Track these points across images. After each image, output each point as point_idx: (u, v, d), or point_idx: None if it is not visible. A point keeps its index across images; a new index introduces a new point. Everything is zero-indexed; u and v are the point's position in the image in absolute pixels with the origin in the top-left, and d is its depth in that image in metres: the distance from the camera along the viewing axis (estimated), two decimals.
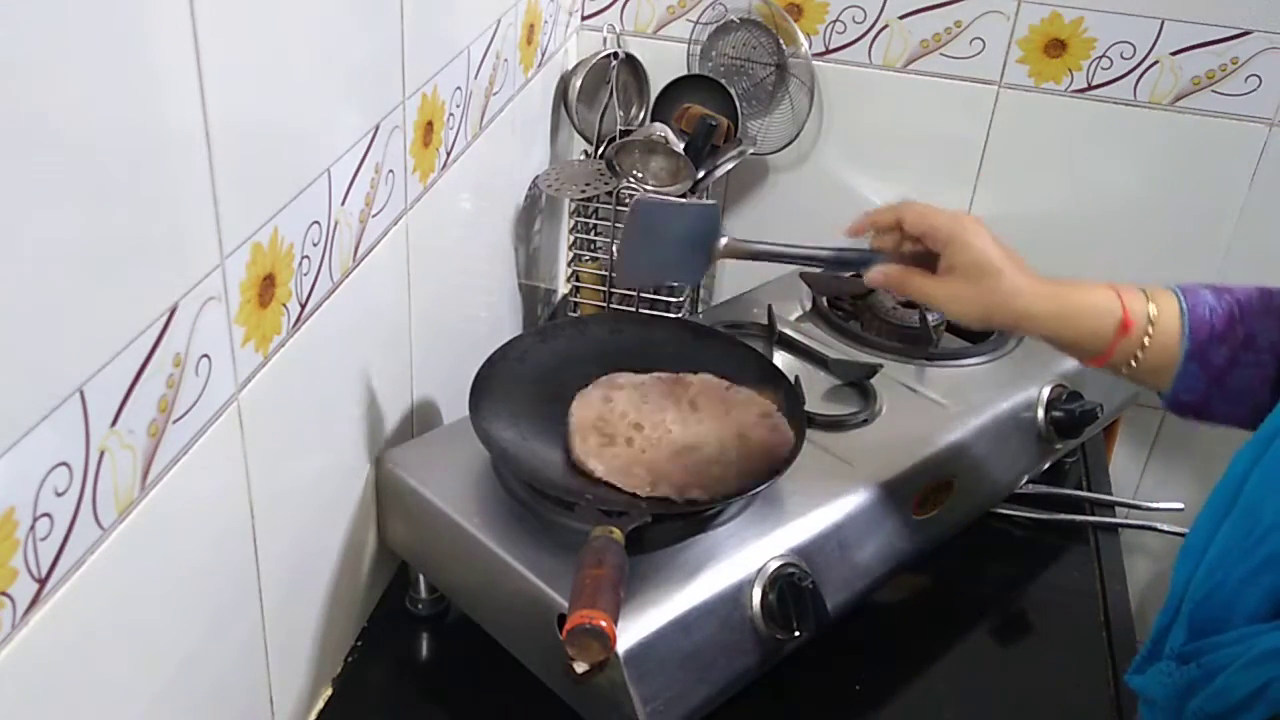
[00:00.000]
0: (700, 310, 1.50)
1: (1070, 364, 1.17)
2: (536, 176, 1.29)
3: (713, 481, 0.89)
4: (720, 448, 0.93)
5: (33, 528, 0.54)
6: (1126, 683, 0.73)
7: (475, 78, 1.05)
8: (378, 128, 0.85)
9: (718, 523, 0.90)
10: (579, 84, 1.32)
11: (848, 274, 1.14)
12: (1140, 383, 0.83)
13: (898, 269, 0.87)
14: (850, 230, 0.90)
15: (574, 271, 1.34)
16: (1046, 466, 1.18)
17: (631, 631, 0.80)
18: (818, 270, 0.97)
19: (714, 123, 1.24)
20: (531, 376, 0.99)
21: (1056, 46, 1.30)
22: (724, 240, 0.92)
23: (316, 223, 0.78)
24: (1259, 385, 0.79)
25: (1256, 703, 0.60)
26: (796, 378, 1.03)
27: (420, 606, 1.03)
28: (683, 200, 0.94)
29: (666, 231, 0.92)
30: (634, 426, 0.94)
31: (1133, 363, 0.81)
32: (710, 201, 0.92)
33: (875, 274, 0.88)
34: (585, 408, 0.95)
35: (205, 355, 0.66)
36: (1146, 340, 0.81)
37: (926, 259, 0.86)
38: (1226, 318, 0.80)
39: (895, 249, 0.88)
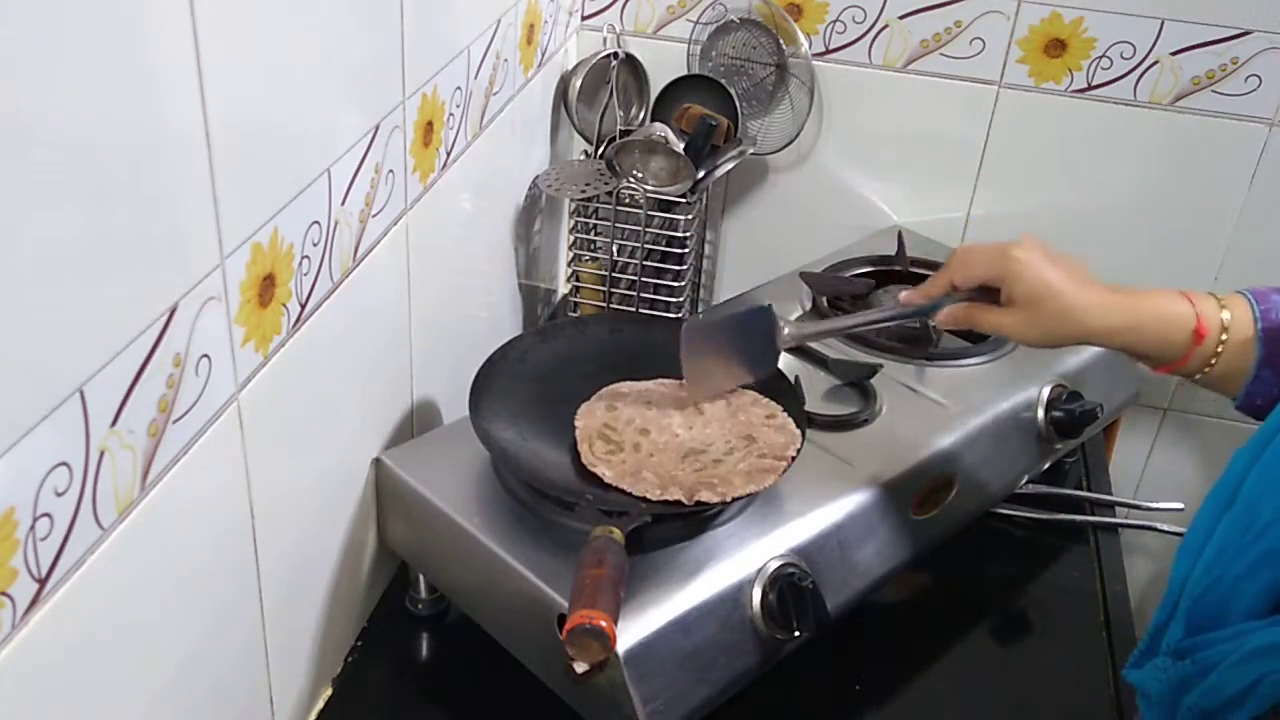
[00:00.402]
0: (700, 310, 1.50)
1: (1070, 364, 1.17)
2: (536, 176, 1.29)
3: (720, 482, 0.88)
4: (728, 449, 0.93)
5: (33, 528, 0.54)
6: (1124, 677, 0.73)
7: (475, 78, 1.05)
8: (378, 128, 0.85)
9: (718, 523, 0.90)
10: (579, 84, 1.32)
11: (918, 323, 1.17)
12: (1211, 388, 0.83)
13: (963, 308, 0.88)
14: (906, 302, 0.92)
15: (574, 271, 1.34)
16: (1046, 466, 1.18)
17: (631, 631, 0.80)
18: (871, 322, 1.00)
19: (714, 123, 1.24)
20: (531, 376, 0.99)
21: (1056, 46, 1.30)
22: (786, 330, 0.95)
23: (316, 223, 0.78)
24: None
25: (1249, 698, 0.61)
26: (796, 378, 1.03)
27: (420, 606, 1.03)
28: (729, 315, 0.98)
29: (721, 345, 0.96)
30: (640, 432, 0.94)
31: (1206, 370, 0.81)
32: (762, 304, 0.95)
33: (943, 317, 0.90)
34: (589, 416, 0.95)
35: (205, 355, 0.66)
36: (1220, 347, 0.80)
37: (990, 290, 0.87)
38: None
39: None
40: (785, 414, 0.97)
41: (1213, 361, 0.81)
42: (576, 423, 0.94)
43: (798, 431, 0.95)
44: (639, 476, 0.88)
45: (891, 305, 0.95)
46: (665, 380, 1.00)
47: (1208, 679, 0.63)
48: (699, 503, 0.86)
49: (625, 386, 0.99)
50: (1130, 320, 0.82)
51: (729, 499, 0.87)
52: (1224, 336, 0.80)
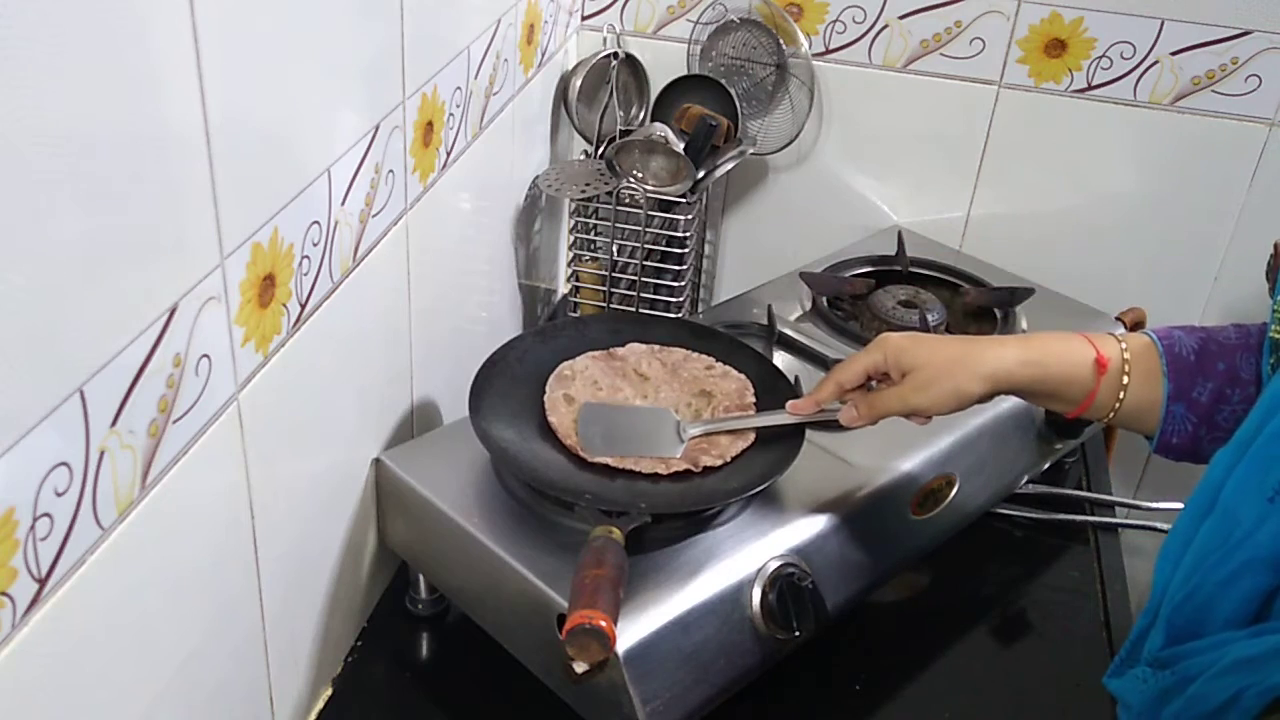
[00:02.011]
0: (700, 310, 1.50)
1: None
2: (536, 176, 1.29)
3: (711, 445, 0.93)
4: (694, 411, 0.97)
5: (33, 528, 0.54)
6: (1104, 685, 0.73)
7: (475, 78, 1.05)
8: (378, 128, 0.85)
9: (718, 523, 0.90)
10: (579, 84, 1.32)
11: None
12: (1127, 426, 0.83)
13: (862, 398, 0.88)
14: (795, 410, 0.92)
15: (574, 271, 1.34)
16: (1046, 466, 1.18)
17: (631, 631, 0.80)
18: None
19: (714, 123, 1.24)
20: (531, 376, 0.99)
21: (1056, 46, 1.30)
22: (683, 427, 0.94)
23: (316, 223, 0.78)
24: None
25: (1229, 711, 0.60)
26: (796, 378, 1.03)
27: (420, 606, 1.03)
28: (630, 406, 0.97)
29: (619, 425, 0.95)
30: None
31: (1117, 404, 0.81)
32: (660, 409, 0.96)
33: (846, 414, 0.88)
34: (558, 411, 0.96)
35: (205, 355, 0.66)
36: (1126, 379, 0.80)
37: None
38: (1203, 353, 0.80)
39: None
40: (721, 362, 1.02)
41: (1121, 395, 0.80)
42: (551, 419, 0.95)
43: (743, 375, 1.00)
44: (637, 456, 0.91)
45: (782, 413, 0.93)
46: (594, 354, 1.02)
47: (1188, 690, 0.63)
48: (706, 468, 0.90)
49: (567, 369, 1.00)
50: (1028, 354, 0.82)
51: (729, 458, 0.91)
52: (1127, 368, 0.80)
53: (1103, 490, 1.24)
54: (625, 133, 1.30)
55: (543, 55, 1.27)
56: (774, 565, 0.88)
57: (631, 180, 1.23)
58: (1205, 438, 0.79)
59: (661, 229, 1.27)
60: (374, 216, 0.87)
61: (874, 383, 0.89)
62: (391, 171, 0.89)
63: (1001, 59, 1.32)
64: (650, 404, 0.97)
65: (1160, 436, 0.80)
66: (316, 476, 0.87)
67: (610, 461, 0.90)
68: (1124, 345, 0.81)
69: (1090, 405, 0.82)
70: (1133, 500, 1.26)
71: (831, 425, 0.91)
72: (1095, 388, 0.81)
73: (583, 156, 1.35)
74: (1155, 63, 1.27)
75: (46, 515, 0.54)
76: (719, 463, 0.91)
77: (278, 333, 0.75)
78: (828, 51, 1.36)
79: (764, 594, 0.86)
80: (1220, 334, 0.81)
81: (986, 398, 0.84)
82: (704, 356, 1.03)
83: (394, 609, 1.03)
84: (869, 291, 1.26)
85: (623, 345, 1.04)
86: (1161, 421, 0.80)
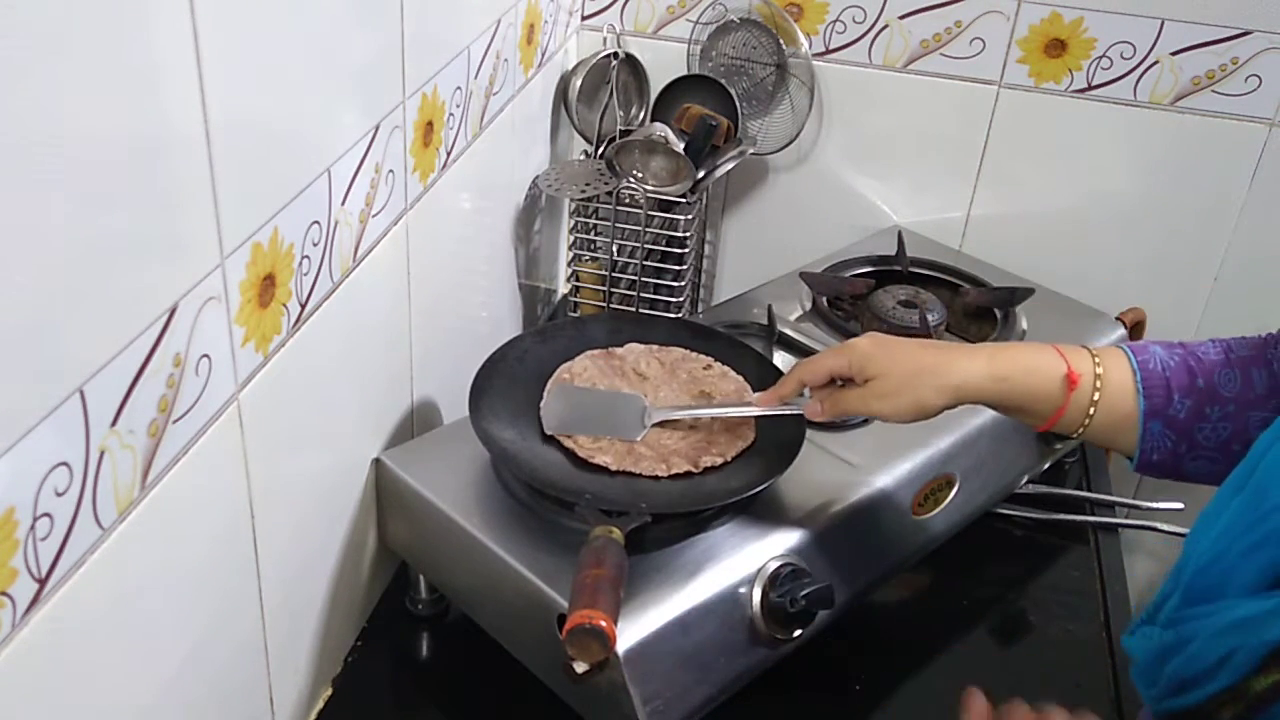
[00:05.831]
0: (700, 310, 1.50)
1: None
2: (536, 176, 1.29)
3: (711, 444, 0.93)
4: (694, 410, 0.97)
5: (33, 528, 0.54)
6: (1121, 644, 0.73)
7: (475, 78, 1.05)
8: (378, 128, 0.85)
9: (718, 523, 0.90)
10: (579, 84, 1.32)
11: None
12: (1103, 445, 0.83)
13: (828, 394, 0.87)
14: (760, 403, 0.92)
15: (574, 271, 1.34)
16: (1046, 466, 1.18)
17: (631, 631, 0.80)
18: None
19: (714, 123, 1.24)
20: (531, 376, 1.00)
21: (1056, 46, 1.30)
22: (649, 413, 0.94)
23: (316, 223, 0.78)
24: (1231, 439, 0.78)
25: (1221, 670, 0.61)
26: None
27: (420, 606, 1.03)
28: (601, 390, 0.99)
29: (584, 405, 0.96)
30: None
31: (1086, 421, 0.80)
32: (631, 393, 0.97)
33: (810, 409, 0.88)
34: None
35: (205, 355, 0.66)
36: (1096, 395, 0.79)
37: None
38: (1182, 370, 0.79)
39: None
40: (718, 362, 1.02)
41: (1091, 412, 0.79)
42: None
43: (740, 376, 1.00)
44: (637, 456, 0.91)
45: (747, 405, 0.94)
46: (592, 353, 1.02)
47: (1187, 649, 0.64)
48: (706, 468, 0.90)
49: (565, 370, 1.00)
50: (996, 369, 0.81)
51: (729, 457, 0.91)
52: (1098, 384, 0.79)
53: (1103, 490, 1.24)
54: (625, 133, 1.30)
55: (543, 55, 1.27)
56: (774, 565, 0.88)
57: (631, 180, 1.23)
58: (1186, 455, 0.79)
59: (661, 229, 1.27)
60: (374, 216, 0.87)
61: (839, 382, 0.88)
62: (391, 171, 0.89)
63: (1001, 59, 1.32)
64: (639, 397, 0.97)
65: (1140, 454, 0.80)
66: (316, 476, 0.87)
67: (610, 464, 0.90)
68: (1098, 360, 0.81)
69: (1058, 420, 0.81)
70: (1133, 500, 1.26)
71: (795, 417, 0.91)
72: (1064, 404, 0.80)
73: (583, 156, 1.35)
74: (1155, 63, 1.27)
75: (46, 515, 0.54)
76: (719, 462, 0.91)
77: (278, 333, 0.75)
78: (828, 51, 1.36)
79: (764, 594, 0.86)
80: (1199, 350, 0.80)
81: (950, 408, 0.84)
82: (702, 356, 1.03)
83: (394, 609, 1.03)
84: (869, 291, 1.26)
85: (622, 345, 1.04)
86: (1140, 439, 0.79)
